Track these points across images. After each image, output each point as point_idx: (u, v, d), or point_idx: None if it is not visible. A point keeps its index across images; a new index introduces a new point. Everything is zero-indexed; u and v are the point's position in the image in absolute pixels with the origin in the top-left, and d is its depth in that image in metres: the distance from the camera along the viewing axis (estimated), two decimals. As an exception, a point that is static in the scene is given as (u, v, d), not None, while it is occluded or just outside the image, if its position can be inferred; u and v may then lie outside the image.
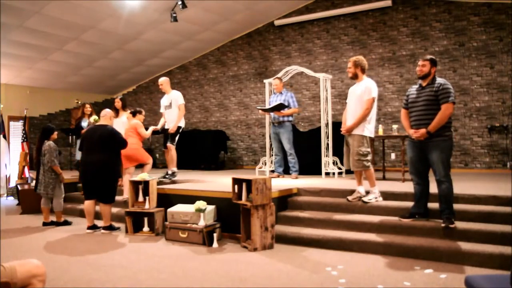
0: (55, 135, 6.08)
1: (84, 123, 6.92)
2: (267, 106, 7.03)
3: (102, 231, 5.42)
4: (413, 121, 4.17)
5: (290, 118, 6.82)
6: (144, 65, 11.36)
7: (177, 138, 6.67)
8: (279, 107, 6.56)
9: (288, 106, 6.65)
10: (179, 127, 6.64)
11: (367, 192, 4.80)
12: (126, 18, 8.41)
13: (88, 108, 7.13)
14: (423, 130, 3.99)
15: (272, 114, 6.78)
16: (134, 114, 6.80)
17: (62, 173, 5.96)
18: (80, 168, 5.66)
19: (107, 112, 5.77)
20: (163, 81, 6.74)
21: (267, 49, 10.58)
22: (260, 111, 7.22)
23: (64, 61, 9.93)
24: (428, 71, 4.09)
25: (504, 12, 7.97)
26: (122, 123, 6.93)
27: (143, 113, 7.00)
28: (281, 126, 6.74)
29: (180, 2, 8.01)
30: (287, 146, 6.71)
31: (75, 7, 7.62)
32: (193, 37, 10.28)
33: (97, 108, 11.66)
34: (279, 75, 7.47)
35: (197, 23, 9.50)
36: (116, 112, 7.01)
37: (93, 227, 5.50)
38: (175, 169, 6.73)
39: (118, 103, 7.02)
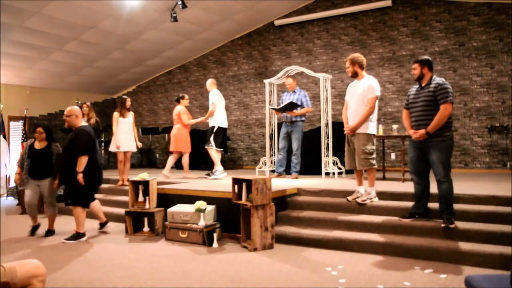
0: (37, 133, 5.34)
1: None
2: (280, 105, 7.03)
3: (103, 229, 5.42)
4: (413, 122, 4.18)
5: (303, 118, 6.82)
6: (144, 65, 11.35)
7: (211, 139, 6.80)
8: (291, 106, 6.54)
9: (300, 106, 6.64)
10: (213, 127, 6.82)
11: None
12: (126, 18, 8.41)
13: (85, 108, 7.06)
14: (422, 131, 3.99)
15: (284, 113, 6.78)
16: (178, 100, 7.19)
17: (16, 175, 5.45)
18: (98, 171, 5.16)
19: (79, 110, 5.18)
20: (207, 83, 7.14)
21: (267, 49, 10.58)
22: (273, 111, 7.23)
23: (64, 61, 9.92)
24: (419, 73, 4.11)
25: (504, 12, 7.97)
26: (129, 123, 6.95)
27: (186, 97, 7.28)
28: (293, 125, 6.73)
29: (180, 2, 8.01)
30: (296, 146, 6.69)
31: (75, 7, 7.62)
32: (193, 37, 10.28)
33: (97, 108, 11.67)
34: (279, 75, 7.48)
35: (197, 23, 9.50)
36: (123, 112, 6.94)
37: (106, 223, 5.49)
38: (219, 168, 6.91)
39: (129, 102, 7.09)
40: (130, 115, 7.03)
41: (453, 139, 4.16)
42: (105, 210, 6.27)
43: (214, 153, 6.87)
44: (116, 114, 6.93)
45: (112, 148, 6.97)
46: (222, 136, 6.96)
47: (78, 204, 4.99)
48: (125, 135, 6.85)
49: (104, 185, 7.25)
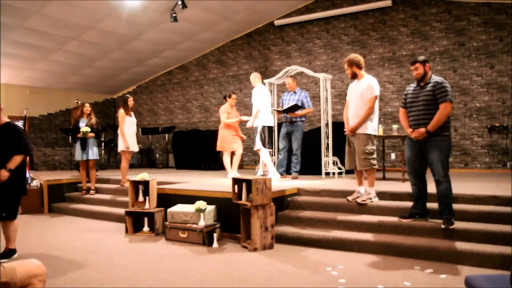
0: None
1: (82, 123, 6.86)
2: (281, 105, 7.00)
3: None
4: (412, 121, 4.16)
5: (303, 118, 6.81)
6: (144, 65, 11.36)
7: (257, 139, 6.44)
8: (294, 108, 6.52)
9: (302, 107, 6.63)
10: (263, 127, 6.40)
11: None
12: (126, 18, 8.41)
13: (87, 108, 7.03)
14: (422, 130, 3.98)
15: (284, 113, 6.74)
16: (225, 98, 7.15)
17: None
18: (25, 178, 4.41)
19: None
20: (250, 77, 6.71)
21: (267, 49, 10.58)
22: (275, 112, 7.18)
23: (64, 61, 9.93)
24: (423, 71, 4.10)
25: (504, 12, 7.97)
26: (134, 122, 6.92)
27: (232, 96, 7.08)
28: (293, 125, 6.72)
29: (180, 2, 8.01)
30: (296, 146, 6.68)
31: (75, 7, 7.62)
32: (193, 37, 10.28)
33: (97, 108, 11.69)
34: (279, 75, 7.47)
35: (197, 23, 9.50)
36: (128, 111, 6.86)
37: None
38: (271, 169, 6.51)
39: (132, 102, 6.97)
40: (132, 114, 6.97)
41: (451, 139, 4.16)
42: (106, 210, 6.30)
43: (263, 154, 6.51)
44: (122, 113, 6.70)
45: (121, 147, 6.74)
46: (268, 135, 6.50)
47: (15, 217, 4.17)
48: (132, 135, 6.81)
49: (107, 185, 7.27)
